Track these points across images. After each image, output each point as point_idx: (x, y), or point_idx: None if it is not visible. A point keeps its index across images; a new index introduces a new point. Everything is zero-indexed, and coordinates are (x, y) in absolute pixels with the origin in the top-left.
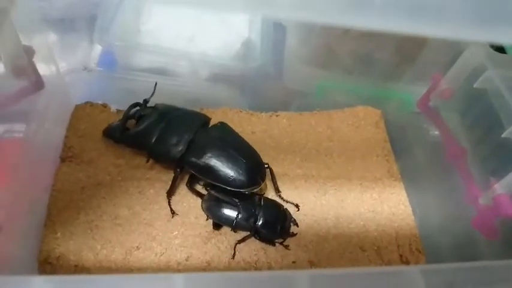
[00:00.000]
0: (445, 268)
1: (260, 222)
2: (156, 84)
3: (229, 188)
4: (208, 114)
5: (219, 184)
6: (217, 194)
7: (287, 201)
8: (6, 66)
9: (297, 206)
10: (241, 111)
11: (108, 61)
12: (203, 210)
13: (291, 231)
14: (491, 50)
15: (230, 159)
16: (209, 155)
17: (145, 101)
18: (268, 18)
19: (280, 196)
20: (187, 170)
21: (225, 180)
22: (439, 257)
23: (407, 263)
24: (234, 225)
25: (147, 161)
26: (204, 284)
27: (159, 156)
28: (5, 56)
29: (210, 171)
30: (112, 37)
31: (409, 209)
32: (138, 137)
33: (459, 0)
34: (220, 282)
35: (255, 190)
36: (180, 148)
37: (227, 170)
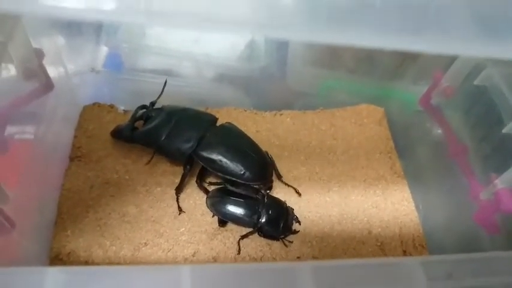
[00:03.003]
0: (444, 259)
1: (263, 219)
2: (165, 82)
3: (239, 182)
4: (213, 114)
5: (229, 177)
6: (231, 188)
7: (289, 185)
8: (17, 69)
9: (298, 192)
10: (245, 111)
11: (115, 63)
12: (207, 207)
13: (293, 228)
14: None
15: (241, 154)
16: (221, 149)
17: (152, 103)
18: (271, 39)
19: (282, 181)
20: (197, 165)
21: (236, 173)
22: (442, 253)
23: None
24: (238, 221)
25: (147, 163)
26: (210, 275)
27: (169, 152)
28: (17, 59)
29: (222, 165)
30: (119, 39)
31: (412, 205)
32: (148, 134)
33: (458, 17)
34: (226, 274)
35: (263, 185)
36: (190, 144)
37: (238, 164)
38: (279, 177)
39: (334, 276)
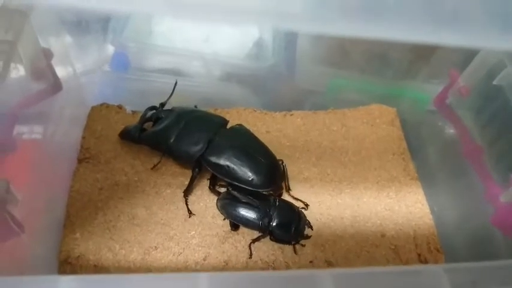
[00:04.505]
0: (468, 267)
1: (274, 223)
2: (176, 83)
3: (247, 188)
4: (223, 115)
5: (237, 184)
6: (235, 193)
7: (297, 199)
8: (26, 68)
9: (306, 204)
10: (255, 111)
11: (122, 62)
12: (218, 209)
13: (305, 233)
14: None
15: (250, 160)
16: (229, 154)
17: (162, 104)
18: (279, 30)
19: (290, 194)
20: (205, 170)
21: (244, 179)
22: (457, 255)
23: (425, 262)
24: (248, 225)
25: (153, 167)
26: (227, 283)
27: (178, 154)
28: (25, 58)
29: (229, 171)
30: (125, 38)
31: (427, 208)
32: (157, 136)
33: (475, 8)
34: (246, 282)
35: (273, 191)
36: (199, 147)
37: (246, 170)
38: (288, 189)
39: (356, 284)
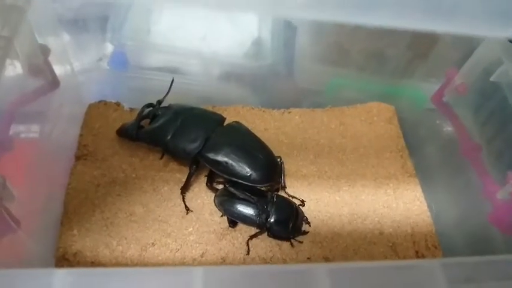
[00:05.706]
0: (464, 262)
1: (272, 219)
2: (172, 81)
3: (245, 183)
4: (221, 112)
5: (235, 179)
6: (232, 189)
7: (293, 197)
8: (23, 65)
9: (302, 201)
10: (253, 108)
11: (120, 61)
12: (216, 205)
13: (303, 229)
14: (508, 43)
15: (247, 155)
16: (226, 151)
17: (159, 102)
18: (279, 18)
19: (285, 192)
20: (202, 167)
21: (242, 175)
22: (455, 253)
23: (423, 259)
24: (246, 221)
25: (161, 158)
26: (223, 278)
27: (175, 152)
28: (22, 55)
29: (228, 167)
30: (123, 36)
31: (425, 205)
32: (154, 133)
33: None
34: (239, 276)
35: (270, 187)
36: (197, 144)
37: (244, 166)
38: (283, 187)
39: (352, 279)
